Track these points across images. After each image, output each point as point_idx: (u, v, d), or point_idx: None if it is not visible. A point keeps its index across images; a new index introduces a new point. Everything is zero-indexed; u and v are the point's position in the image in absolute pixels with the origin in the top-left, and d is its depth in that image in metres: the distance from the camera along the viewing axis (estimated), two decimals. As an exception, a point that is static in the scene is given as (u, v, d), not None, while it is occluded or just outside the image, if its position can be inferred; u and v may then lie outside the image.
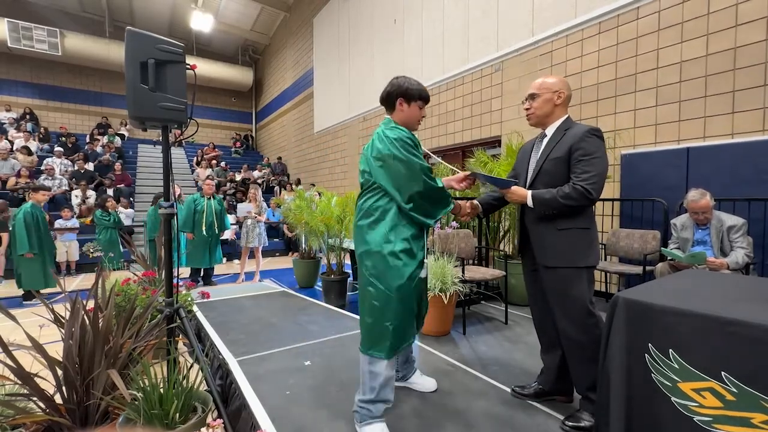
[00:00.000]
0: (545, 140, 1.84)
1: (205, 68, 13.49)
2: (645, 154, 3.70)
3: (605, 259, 3.82)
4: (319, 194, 5.26)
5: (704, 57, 3.36)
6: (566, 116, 1.83)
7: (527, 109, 1.88)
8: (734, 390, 1.00)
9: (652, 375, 1.16)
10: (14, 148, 9.21)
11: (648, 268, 3.13)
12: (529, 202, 1.75)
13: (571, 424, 1.69)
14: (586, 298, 1.68)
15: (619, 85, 3.94)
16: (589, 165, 1.65)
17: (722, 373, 1.02)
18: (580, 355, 1.71)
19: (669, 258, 2.92)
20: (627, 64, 3.88)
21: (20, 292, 4.93)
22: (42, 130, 11.25)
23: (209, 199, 5.46)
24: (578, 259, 1.69)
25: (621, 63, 3.93)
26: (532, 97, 1.85)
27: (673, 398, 1.11)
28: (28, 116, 11.54)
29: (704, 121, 3.37)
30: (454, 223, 3.19)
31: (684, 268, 2.76)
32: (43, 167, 8.68)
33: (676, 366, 1.11)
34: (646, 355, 1.18)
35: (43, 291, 4.98)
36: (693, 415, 1.07)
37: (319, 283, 5.16)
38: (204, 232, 5.34)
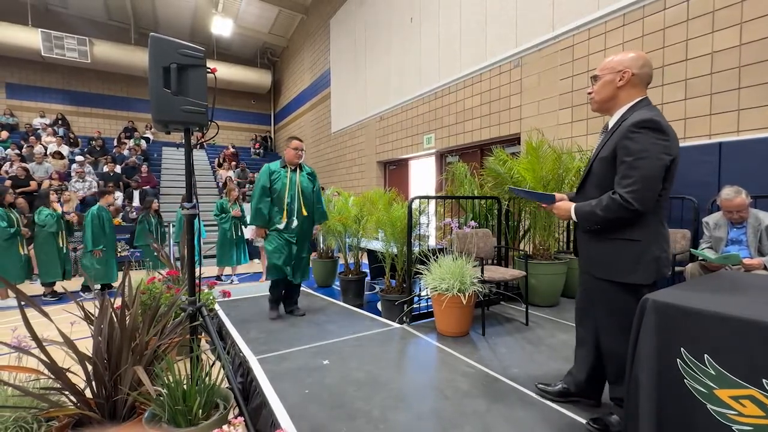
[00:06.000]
0: (606, 133, 1.62)
1: (224, 71, 13.80)
2: (673, 150, 3.55)
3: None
4: (338, 194, 5.30)
5: (737, 47, 3.19)
6: (636, 100, 1.54)
7: (588, 93, 1.67)
8: (776, 399, 0.94)
9: (685, 381, 1.11)
10: (47, 153, 9.66)
11: (677, 268, 3.00)
12: (573, 217, 1.61)
13: (598, 426, 1.63)
14: (625, 317, 1.47)
15: (645, 78, 3.80)
16: (630, 169, 1.41)
17: (763, 380, 0.96)
18: (615, 366, 1.61)
19: (700, 258, 2.80)
20: (653, 56, 3.73)
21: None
22: (71, 135, 11.76)
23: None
24: (620, 273, 1.52)
25: (647, 56, 3.78)
26: (593, 79, 1.62)
27: (708, 405, 1.06)
28: (60, 122, 12.09)
29: (738, 114, 3.21)
30: (472, 222, 3.14)
31: (716, 269, 2.63)
32: (73, 172, 9.07)
33: (712, 372, 1.05)
34: (678, 360, 1.13)
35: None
36: (732, 424, 1.01)
37: (337, 283, 5.19)
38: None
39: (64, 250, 5.30)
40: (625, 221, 1.48)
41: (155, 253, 5.58)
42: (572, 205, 1.63)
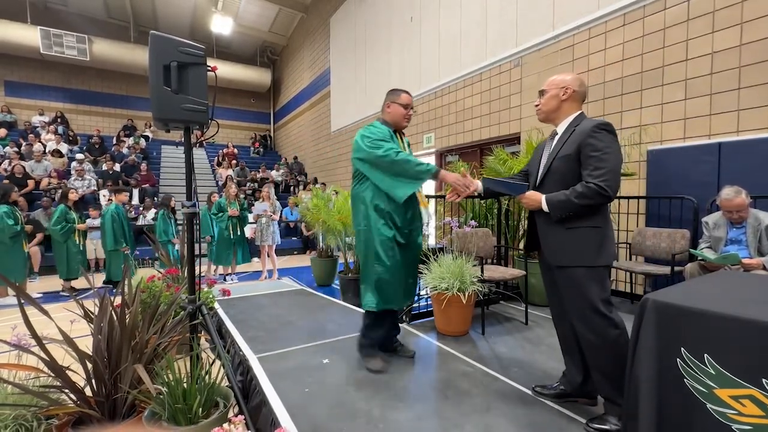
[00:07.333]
0: (556, 138, 1.81)
1: (224, 70, 13.78)
2: (673, 150, 3.56)
3: (630, 259, 3.69)
4: (336, 192, 5.29)
5: (738, 47, 3.19)
6: (578, 113, 1.78)
7: (536, 106, 1.89)
8: (776, 398, 0.95)
9: (685, 380, 1.11)
10: (46, 151, 9.64)
11: (677, 268, 3.01)
12: (545, 207, 1.71)
13: (596, 426, 1.64)
14: (596, 299, 1.62)
15: (645, 78, 3.80)
16: (600, 161, 1.60)
17: (763, 380, 0.97)
18: (597, 357, 1.66)
19: (699, 258, 2.80)
20: (654, 56, 3.74)
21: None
22: (70, 133, 11.73)
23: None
24: (587, 258, 1.64)
25: (647, 55, 3.78)
26: (540, 93, 1.86)
27: (708, 405, 1.06)
28: (59, 119, 12.06)
29: (737, 115, 3.21)
30: (473, 222, 3.14)
31: (715, 269, 2.64)
32: (72, 170, 9.05)
33: (712, 372, 1.05)
34: (678, 359, 1.13)
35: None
36: (731, 423, 1.02)
37: (337, 282, 5.19)
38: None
39: (81, 248, 5.41)
40: (593, 209, 1.64)
41: (156, 252, 5.61)
42: (542, 196, 1.74)
